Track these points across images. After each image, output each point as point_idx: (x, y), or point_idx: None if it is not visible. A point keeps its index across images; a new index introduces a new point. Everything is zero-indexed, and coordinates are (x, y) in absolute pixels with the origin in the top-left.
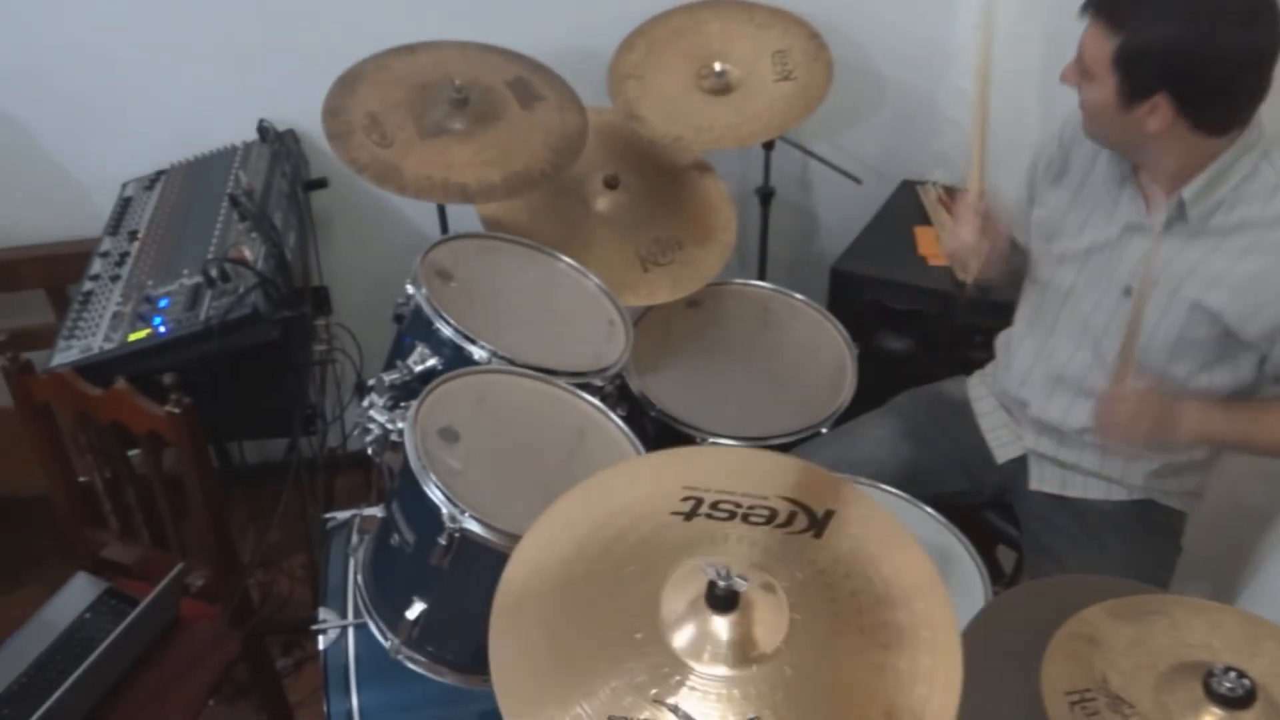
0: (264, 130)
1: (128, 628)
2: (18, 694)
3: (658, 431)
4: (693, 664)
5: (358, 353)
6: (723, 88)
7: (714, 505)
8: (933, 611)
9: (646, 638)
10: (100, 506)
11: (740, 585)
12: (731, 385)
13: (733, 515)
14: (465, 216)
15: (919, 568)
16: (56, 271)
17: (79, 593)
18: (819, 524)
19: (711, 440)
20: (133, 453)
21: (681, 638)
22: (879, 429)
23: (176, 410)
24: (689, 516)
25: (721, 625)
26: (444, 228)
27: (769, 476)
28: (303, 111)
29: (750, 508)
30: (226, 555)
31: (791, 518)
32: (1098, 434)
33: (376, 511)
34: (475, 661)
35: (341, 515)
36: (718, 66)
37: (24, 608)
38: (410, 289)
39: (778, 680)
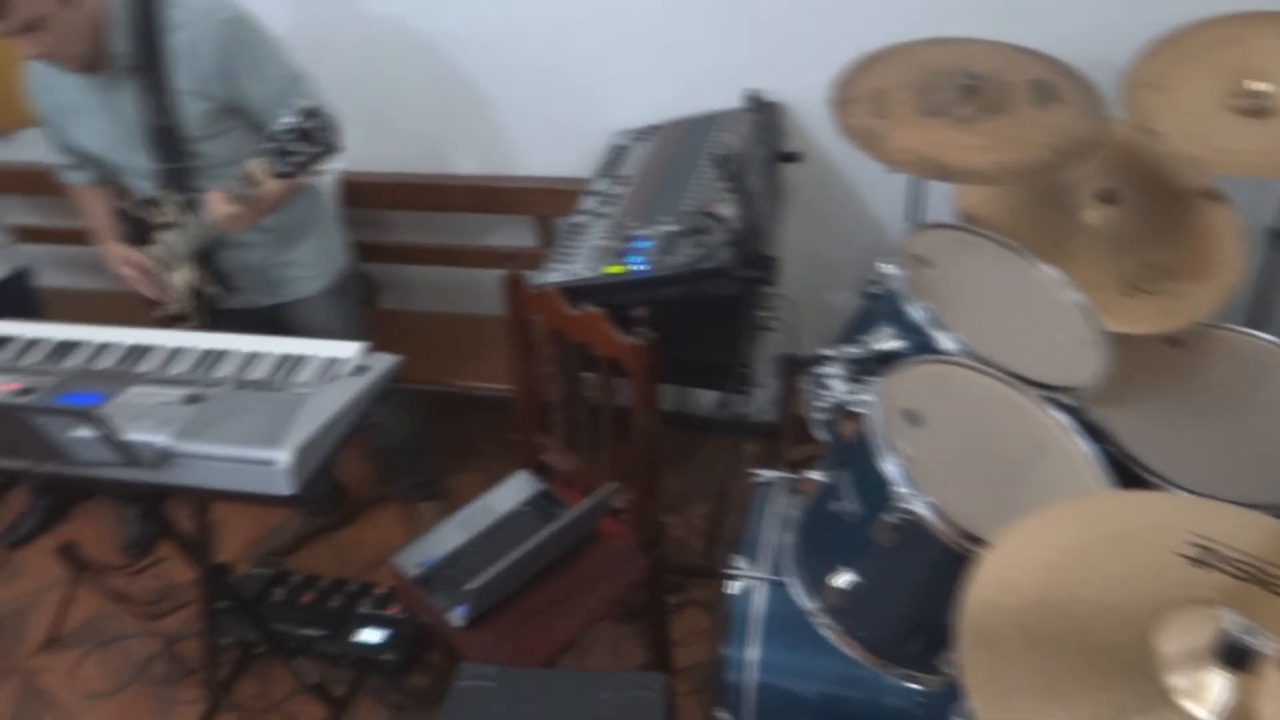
0: (753, 99)
1: (562, 527)
2: (458, 560)
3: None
4: (1185, 707)
5: (794, 324)
6: (1259, 110)
7: (1227, 560)
8: None
9: (1134, 664)
10: (551, 417)
11: (1266, 647)
12: (1206, 439)
13: (1252, 578)
14: (941, 211)
15: None
16: (546, 203)
17: (519, 488)
18: None
19: (1171, 491)
20: (586, 375)
21: (1177, 678)
22: None
23: (641, 343)
24: (1197, 563)
25: (1225, 682)
26: (913, 218)
27: None
28: (792, 86)
29: (1276, 577)
30: (650, 486)
31: None
32: None
33: (817, 475)
34: (886, 645)
35: (768, 474)
36: (1257, 86)
37: (464, 489)
38: (888, 269)
39: None
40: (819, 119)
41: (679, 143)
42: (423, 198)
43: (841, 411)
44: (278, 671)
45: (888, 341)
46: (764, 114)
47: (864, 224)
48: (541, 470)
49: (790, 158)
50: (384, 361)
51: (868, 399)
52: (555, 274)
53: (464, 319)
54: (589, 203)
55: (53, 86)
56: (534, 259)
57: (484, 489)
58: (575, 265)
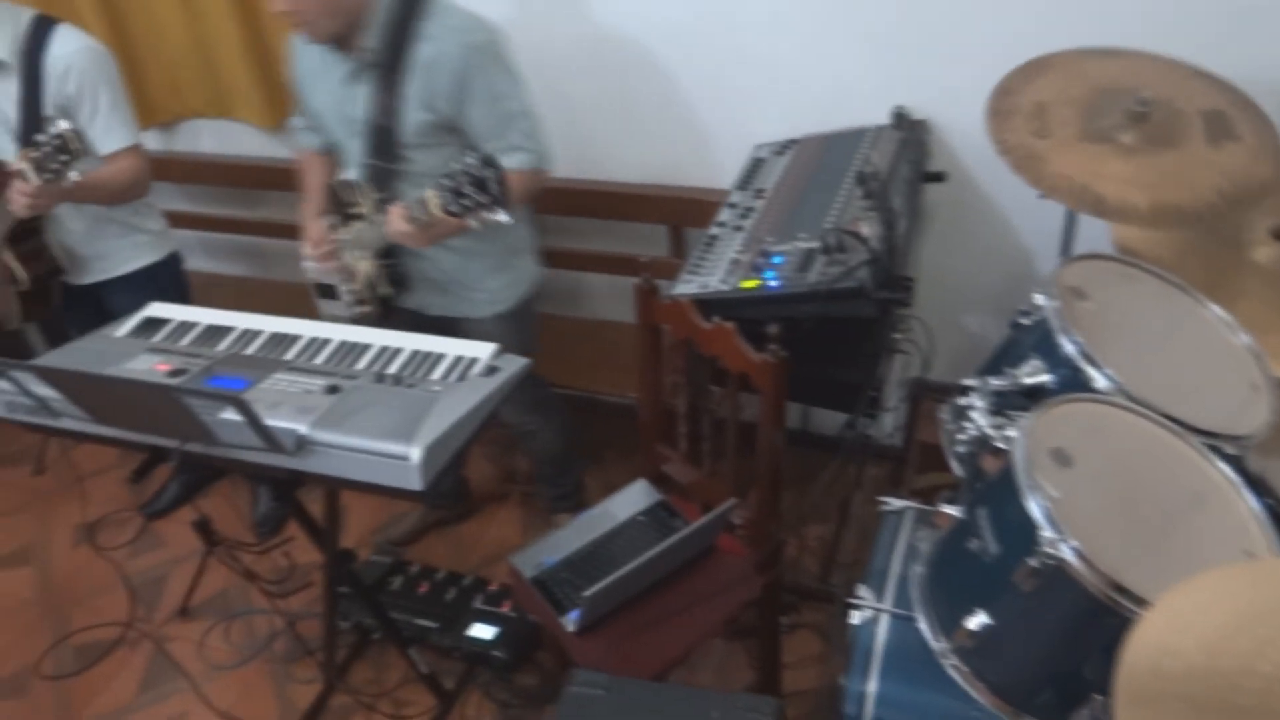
0: (899, 116)
1: (680, 540)
2: (575, 564)
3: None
4: None
5: (927, 349)
6: None
7: None
8: None
9: None
10: (675, 428)
11: None
12: None
13: None
14: (1096, 240)
15: None
16: (681, 212)
17: (638, 496)
18: None
19: None
20: (713, 388)
21: None
22: None
23: (772, 360)
24: None
25: None
26: (1064, 247)
27: None
28: (939, 103)
29: None
30: (771, 504)
31: None
32: None
33: (953, 510)
34: (1017, 692)
35: (896, 503)
36: None
37: (586, 491)
38: (1040, 299)
39: None
40: (966, 138)
41: (819, 158)
42: (561, 202)
43: (983, 445)
44: (391, 658)
45: (1036, 375)
46: (909, 131)
47: (1008, 248)
48: (661, 480)
49: (934, 177)
50: (514, 363)
51: (1013, 434)
52: (688, 285)
53: (593, 323)
54: (725, 215)
55: (306, 50)
56: (667, 268)
57: (604, 494)
58: (709, 277)
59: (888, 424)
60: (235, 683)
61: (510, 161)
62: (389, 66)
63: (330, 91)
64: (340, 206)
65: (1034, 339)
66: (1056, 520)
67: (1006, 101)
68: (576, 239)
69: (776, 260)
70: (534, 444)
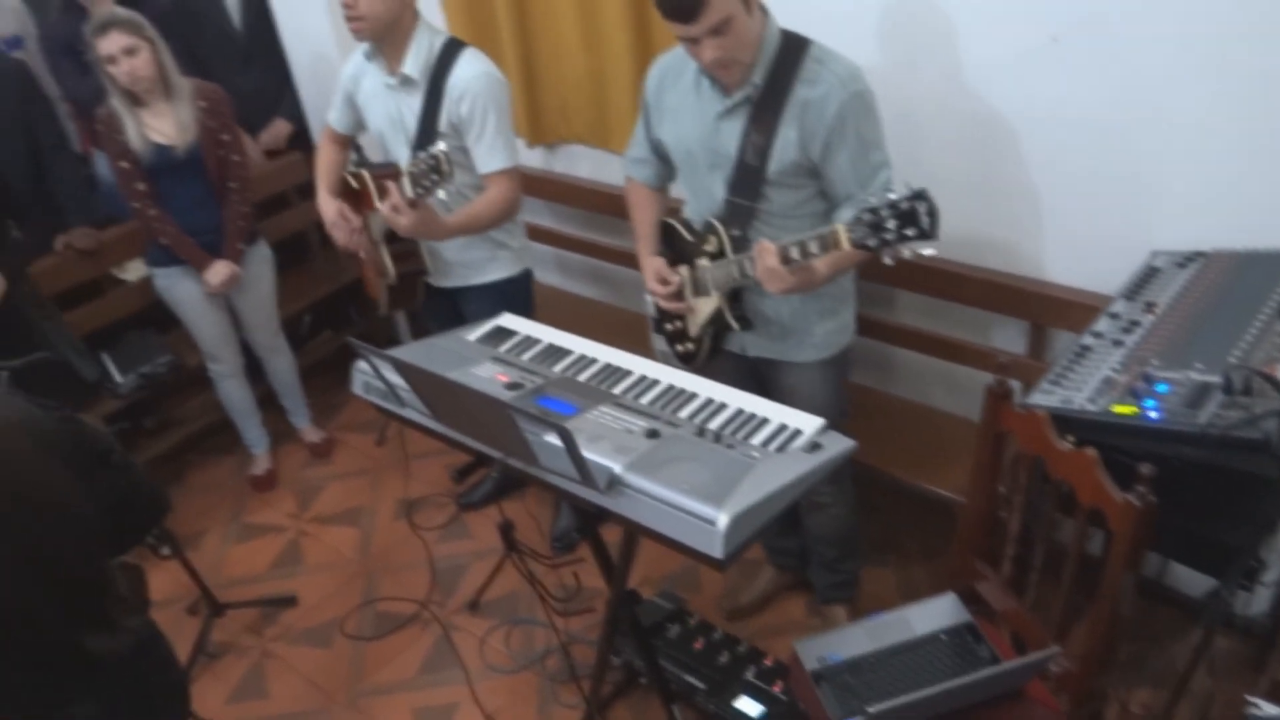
0: None
1: (984, 679)
2: (861, 669)
3: None
4: None
5: None
6: None
7: None
8: None
9: None
10: (1002, 547)
11: None
12: None
13: None
14: None
15: None
16: (1045, 311)
17: (944, 611)
18: None
19: None
20: (1057, 515)
21: None
22: None
23: (1138, 504)
24: None
25: None
26: None
27: None
28: None
29: None
30: (1101, 662)
31: None
32: None
33: None
34: None
35: (1268, 708)
36: None
37: (872, 583)
38: None
39: None
40: None
41: (1232, 278)
42: (916, 279)
43: None
44: (653, 708)
45: None
46: None
47: None
48: (971, 598)
49: None
50: (838, 444)
51: None
52: (1049, 397)
53: (926, 410)
54: (1104, 324)
55: (668, 83)
56: (1022, 369)
57: (894, 587)
58: (1075, 393)
59: (1262, 599)
60: (504, 688)
61: None
62: (767, 106)
63: (701, 125)
64: (679, 244)
65: None
66: None
67: None
68: (915, 315)
69: (1161, 389)
70: (820, 519)
